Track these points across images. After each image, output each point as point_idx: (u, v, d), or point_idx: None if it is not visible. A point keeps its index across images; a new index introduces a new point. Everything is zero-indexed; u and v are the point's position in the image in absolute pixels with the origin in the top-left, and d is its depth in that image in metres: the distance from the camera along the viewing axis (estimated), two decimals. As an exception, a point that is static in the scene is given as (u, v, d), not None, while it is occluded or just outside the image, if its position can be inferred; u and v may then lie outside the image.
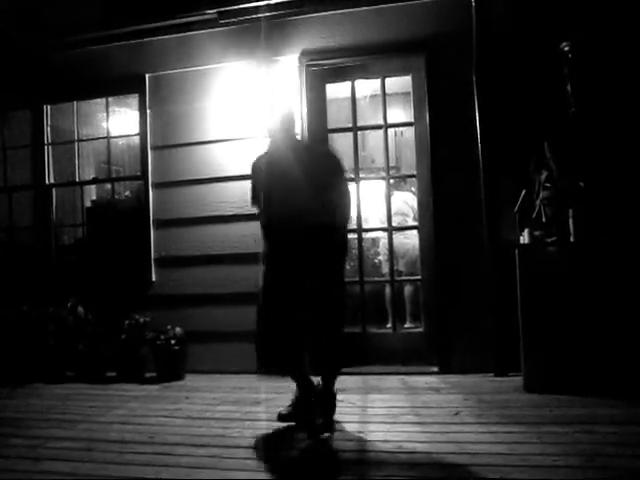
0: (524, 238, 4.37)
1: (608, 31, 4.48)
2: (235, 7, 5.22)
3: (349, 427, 3.46)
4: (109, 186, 6.42)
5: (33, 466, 3.03)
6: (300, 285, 3.41)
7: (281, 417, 3.59)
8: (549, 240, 4.25)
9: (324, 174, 3.52)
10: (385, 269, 5.55)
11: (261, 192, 3.64)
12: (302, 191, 3.42)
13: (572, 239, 4.18)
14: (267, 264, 3.61)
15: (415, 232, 5.51)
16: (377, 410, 3.61)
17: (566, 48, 4.49)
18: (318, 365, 3.59)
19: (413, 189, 5.84)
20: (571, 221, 4.19)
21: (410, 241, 6.17)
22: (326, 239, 3.45)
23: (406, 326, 6.20)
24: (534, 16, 4.69)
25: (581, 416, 3.46)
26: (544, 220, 4.34)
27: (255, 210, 3.86)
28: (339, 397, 3.55)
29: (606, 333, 3.97)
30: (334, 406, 3.50)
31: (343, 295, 3.67)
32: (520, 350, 4.18)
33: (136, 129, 5.79)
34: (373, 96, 5.93)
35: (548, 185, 4.36)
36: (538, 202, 4.40)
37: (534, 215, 4.40)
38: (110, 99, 6.08)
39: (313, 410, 3.49)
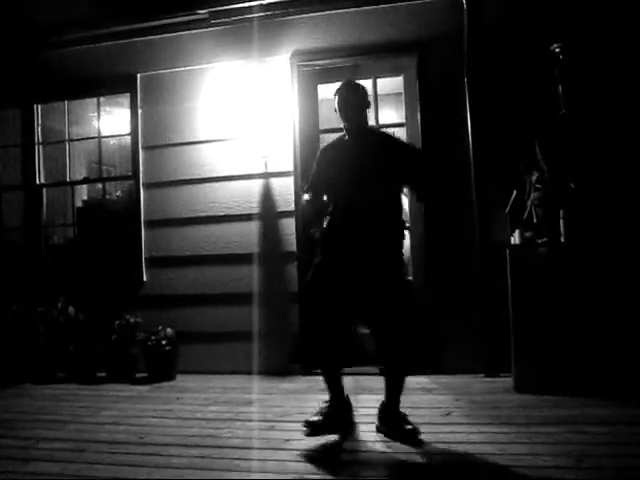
0: (515, 239, 4.39)
1: (599, 33, 4.50)
2: (227, 7, 5.21)
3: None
4: (100, 186, 6.40)
5: (22, 467, 3.00)
6: (359, 287, 3.26)
7: (309, 424, 3.38)
8: (540, 241, 4.26)
9: (397, 159, 3.39)
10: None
11: (323, 180, 3.47)
12: (374, 181, 3.30)
13: (563, 240, 4.20)
14: (323, 260, 3.38)
15: (406, 233, 5.50)
16: (369, 410, 3.60)
17: (557, 50, 4.50)
18: (386, 374, 3.36)
19: (405, 190, 5.83)
20: (562, 222, 4.21)
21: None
22: (392, 239, 3.34)
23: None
24: (525, 18, 4.71)
25: (571, 416, 3.47)
26: (535, 221, 4.35)
27: (305, 197, 3.62)
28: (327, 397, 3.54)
29: (596, 334, 3.99)
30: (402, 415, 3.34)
31: (412, 296, 3.49)
32: (511, 351, 4.20)
33: (127, 129, 5.77)
34: (365, 97, 5.93)
35: (539, 186, 4.37)
36: (529, 203, 4.42)
37: (525, 216, 4.42)
38: (101, 99, 6.07)
39: (343, 413, 3.44)
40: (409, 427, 3.21)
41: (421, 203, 3.37)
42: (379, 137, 3.57)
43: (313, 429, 3.33)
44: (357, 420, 3.50)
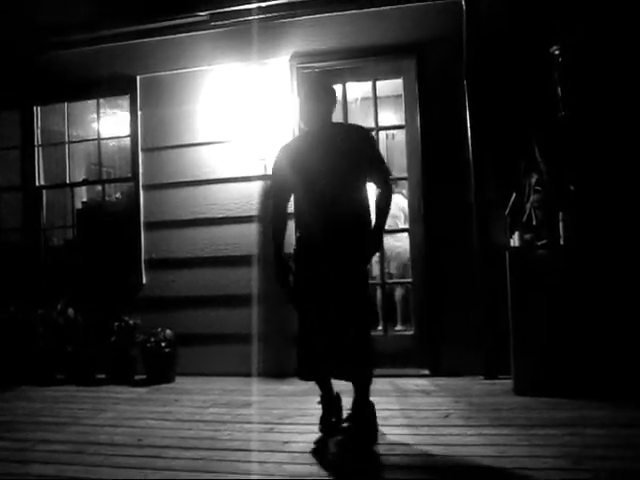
0: (514, 241, 4.39)
1: (598, 35, 4.50)
2: (227, 9, 5.21)
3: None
4: (100, 188, 6.40)
5: (20, 469, 3.00)
6: (329, 286, 3.25)
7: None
8: (539, 243, 4.26)
9: (354, 147, 3.33)
10: (376, 272, 5.56)
11: (285, 182, 3.45)
12: (333, 172, 3.26)
13: (562, 242, 4.20)
14: (297, 263, 3.44)
15: (406, 235, 5.51)
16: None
17: (556, 52, 4.50)
18: (348, 372, 3.35)
19: (404, 192, 5.85)
20: (561, 224, 4.21)
21: (401, 244, 6.16)
22: (358, 234, 3.29)
23: (397, 329, 6.20)
24: (525, 20, 4.71)
25: (570, 418, 3.47)
26: (534, 223, 4.35)
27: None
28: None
29: (595, 336, 3.99)
30: (371, 416, 3.37)
31: (368, 296, 3.51)
32: (510, 353, 4.20)
33: (127, 131, 5.77)
34: (364, 99, 5.94)
35: (538, 188, 4.37)
36: (528, 205, 4.41)
37: (524, 218, 4.41)
38: (101, 100, 6.07)
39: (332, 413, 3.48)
40: (365, 425, 3.30)
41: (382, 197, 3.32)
42: (340, 129, 3.54)
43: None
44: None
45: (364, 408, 3.36)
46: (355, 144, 3.35)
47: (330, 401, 3.51)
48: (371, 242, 3.33)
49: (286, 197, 3.53)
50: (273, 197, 3.65)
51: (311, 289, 3.33)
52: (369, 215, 3.39)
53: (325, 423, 3.43)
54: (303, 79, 5.03)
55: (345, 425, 3.43)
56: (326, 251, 3.27)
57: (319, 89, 3.44)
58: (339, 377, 3.38)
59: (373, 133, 5.16)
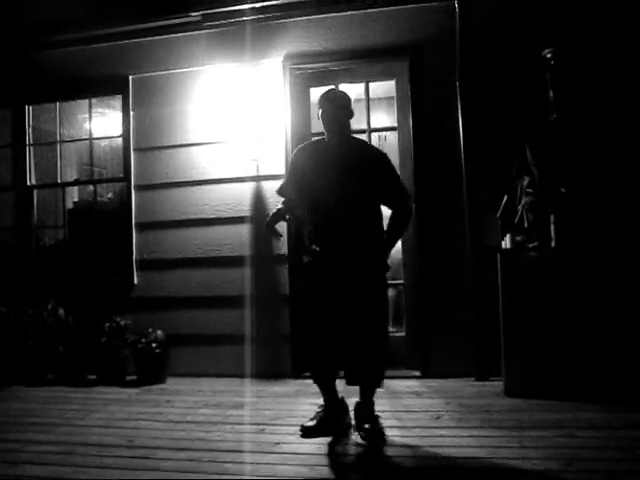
0: (506, 243, 4.40)
1: (590, 39, 4.53)
2: (220, 10, 5.21)
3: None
4: (91, 188, 6.37)
5: (10, 470, 2.98)
6: (343, 293, 3.27)
7: (304, 429, 3.38)
8: (530, 245, 4.28)
9: (371, 166, 3.37)
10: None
11: (297, 183, 3.49)
12: (348, 188, 3.28)
13: (553, 244, 4.22)
14: (309, 266, 3.43)
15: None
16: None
17: (548, 55, 4.52)
18: (359, 375, 3.38)
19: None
20: (552, 226, 4.23)
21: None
22: (371, 254, 3.34)
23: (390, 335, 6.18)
24: (517, 23, 4.73)
25: (561, 420, 3.48)
26: (526, 225, 4.37)
27: (279, 201, 3.67)
28: (320, 402, 3.53)
29: (586, 338, 4.01)
30: (373, 416, 3.37)
31: (386, 306, 3.57)
32: (501, 355, 4.21)
33: (119, 131, 5.75)
34: (357, 100, 5.92)
35: (530, 190, 4.39)
36: (520, 207, 4.43)
37: (516, 220, 4.43)
38: (93, 100, 6.04)
39: (338, 416, 3.47)
40: (376, 427, 3.26)
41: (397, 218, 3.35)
42: (360, 146, 3.56)
43: (308, 433, 3.34)
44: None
45: (373, 411, 3.38)
46: (372, 163, 3.39)
47: (335, 405, 3.49)
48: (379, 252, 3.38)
49: (297, 194, 3.54)
50: (284, 186, 3.64)
51: (324, 298, 3.32)
52: (381, 233, 3.43)
53: (325, 426, 3.39)
54: (294, 81, 5.02)
55: (353, 429, 3.42)
56: (339, 262, 3.30)
57: (337, 98, 3.44)
58: (352, 382, 3.39)
59: (365, 135, 5.17)
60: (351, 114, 3.46)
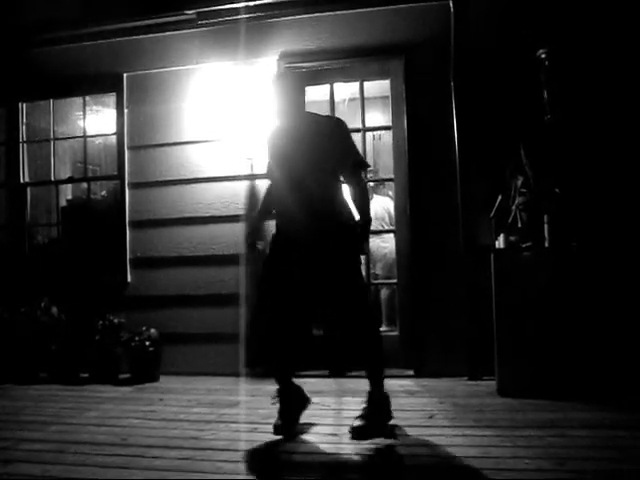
0: (500, 243, 4.41)
1: (584, 39, 4.54)
2: (214, 8, 5.20)
3: (323, 430, 3.45)
4: (85, 185, 6.36)
5: (2, 468, 2.96)
6: (307, 285, 3.23)
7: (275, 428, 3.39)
8: (524, 245, 4.28)
9: (326, 137, 3.31)
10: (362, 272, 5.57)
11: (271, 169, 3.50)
12: (306, 164, 3.25)
13: (547, 244, 4.23)
14: (270, 251, 3.40)
15: (392, 236, 5.52)
16: (352, 413, 3.59)
17: (543, 55, 4.53)
18: (362, 368, 3.40)
19: (390, 193, 5.85)
20: (546, 226, 4.24)
21: (388, 245, 6.18)
22: (341, 232, 3.24)
23: (382, 329, 6.20)
24: (512, 23, 4.74)
25: (554, 420, 3.49)
26: (520, 225, 4.38)
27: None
28: (314, 400, 3.54)
29: (579, 338, 4.02)
30: (386, 408, 3.35)
31: (367, 294, 3.56)
32: (494, 354, 4.21)
33: (113, 128, 5.74)
34: (352, 99, 5.95)
35: (524, 191, 4.40)
36: (514, 207, 4.44)
37: (510, 220, 4.44)
38: (87, 98, 6.03)
39: (289, 413, 3.44)
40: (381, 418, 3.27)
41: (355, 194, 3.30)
42: (313, 121, 3.50)
43: (276, 431, 3.35)
44: (340, 423, 3.50)
45: (379, 398, 3.34)
46: (329, 132, 3.35)
47: (291, 393, 3.49)
48: (356, 232, 3.27)
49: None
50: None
51: (287, 280, 3.25)
52: (347, 206, 3.38)
53: (285, 417, 3.40)
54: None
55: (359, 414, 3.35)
56: (305, 243, 3.24)
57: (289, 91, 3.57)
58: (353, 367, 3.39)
59: (359, 134, 5.17)
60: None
